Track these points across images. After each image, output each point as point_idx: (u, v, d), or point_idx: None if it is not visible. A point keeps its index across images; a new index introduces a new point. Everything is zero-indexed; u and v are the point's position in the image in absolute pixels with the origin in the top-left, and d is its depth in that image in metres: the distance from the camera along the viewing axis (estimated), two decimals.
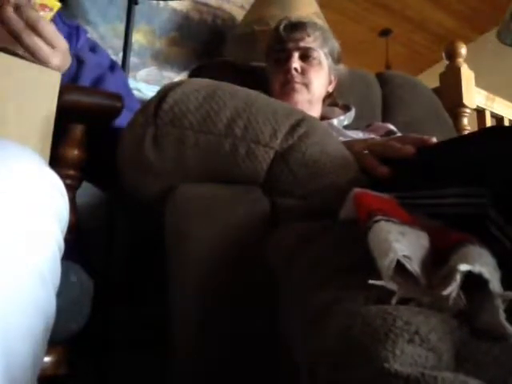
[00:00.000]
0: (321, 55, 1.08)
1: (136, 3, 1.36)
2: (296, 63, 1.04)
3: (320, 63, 1.08)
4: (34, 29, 0.65)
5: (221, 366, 0.54)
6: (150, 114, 0.60)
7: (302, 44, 1.07)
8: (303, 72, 1.05)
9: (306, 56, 1.06)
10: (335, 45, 1.14)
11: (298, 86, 1.03)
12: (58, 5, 0.70)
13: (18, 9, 0.65)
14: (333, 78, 1.14)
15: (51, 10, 0.69)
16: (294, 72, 1.03)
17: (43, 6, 0.68)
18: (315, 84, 1.05)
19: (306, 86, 1.04)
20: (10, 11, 0.64)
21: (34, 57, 0.65)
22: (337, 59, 1.14)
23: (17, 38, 0.65)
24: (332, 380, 0.27)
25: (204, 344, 0.54)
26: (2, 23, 0.64)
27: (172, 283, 0.60)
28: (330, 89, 1.14)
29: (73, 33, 0.92)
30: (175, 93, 0.60)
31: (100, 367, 0.86)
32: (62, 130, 0.63)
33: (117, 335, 0.89)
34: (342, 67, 1.17)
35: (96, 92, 0.70)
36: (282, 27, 1.10)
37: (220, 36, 1.72)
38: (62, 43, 0.69)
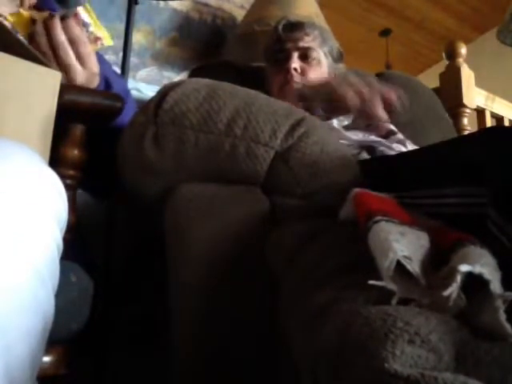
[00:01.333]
0: (320, 55, 1.08)
1: (136, 3, 1.35)
2: (295, 63, 1.04)
3: (319, 63, 1.08)
4: (73, 45, 0.69)
5: (221, 366, 0.54)
6: (150, 113, 0.60)
7: (301, 44, 1.07)
8: (303, 72, 1.04)
9: (305, 56, 1.06)
10: (335, 44, 1.14)
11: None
12: (111, 43, 0.75)
13: (63, 20, 0.69)
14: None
15: (102, 44, 0.74)
16: (293, 72, 1.03)
17: (97, 39, 0.73)
18: None
19: None
20: (57, 21, 0.68)
21: (61, 69, 0.69)
22: (337, 58, 1.14)
23: (54, 47, 0.68)
24: (332, 379, 0.27)
25: (204, 344, 0.54)
26: (47, 31, 0.68)
27: (172, 283, 0.60)
28: None
29: None
30: (175, 92, 0.60)
31: (100, 367, 0.86)
32: (62, 129, 0.63)
33: (117, 335, 0.89)
34: (341, 66, 1.16)
35: (96, 92, 0.70)
36: (280, 27, 1.09)
37: (220, 36, 1.72)
38: (93, 65, 0.72)
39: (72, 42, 0.69)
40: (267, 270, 0.53)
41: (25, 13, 0.71)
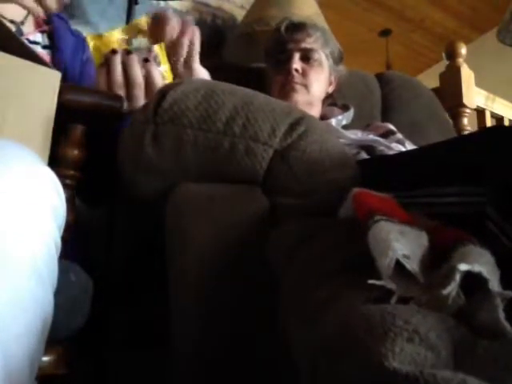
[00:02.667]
0: (322, 56, 1.08)
1: (136, 3, 1.36)
2: (297, 64, 1.04)
3: (320, 64, 1.08)
4: (147, 85, 0.73)
5: (221, 366, 0.54)
6: (149, 112, 0.60)
7: (302, 45, 1.07)
8: (304, 73, 1.05)
9: (306, 57, 1.06)
10: (336, 46, 1.14)
11: (297, 87, 1.03)
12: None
13: (147, 62, 0.73)
14: (333, 79, 1.14)
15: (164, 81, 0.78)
16: (294, 73, 1.03)
17: (163, 78, 0.76)
18: (315, 85, 1.05)
19: (306, 87, 1.04)
20: (136, 61, 0.72)
21: (127, 99, 0.73)
22: (337, 60, 1.14)
23: (130, 85, 0.72)
24: (332, 375, 0.27)
25: (204, 344, 0.54)
26: (124, 66, 0.72)
27: (172, 283, 0.60)
28: (330, 90, 1.14)
29: (79, 44, 0.93)
30: (175, 92, 0.60)
31: (100, 367, 0.86)
32: (62, 130, 0.63)
33: (117, 335, 0.89)
34: (342, 68, 1.17)
35: (96, 92, 0.70)
36: (283, 28, 1.10)
37: (220, 36, 1.72)
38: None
39: (147, 81, 0.73)
40: (267, 269, 0.53)
41: (108, 40, 0.74)
